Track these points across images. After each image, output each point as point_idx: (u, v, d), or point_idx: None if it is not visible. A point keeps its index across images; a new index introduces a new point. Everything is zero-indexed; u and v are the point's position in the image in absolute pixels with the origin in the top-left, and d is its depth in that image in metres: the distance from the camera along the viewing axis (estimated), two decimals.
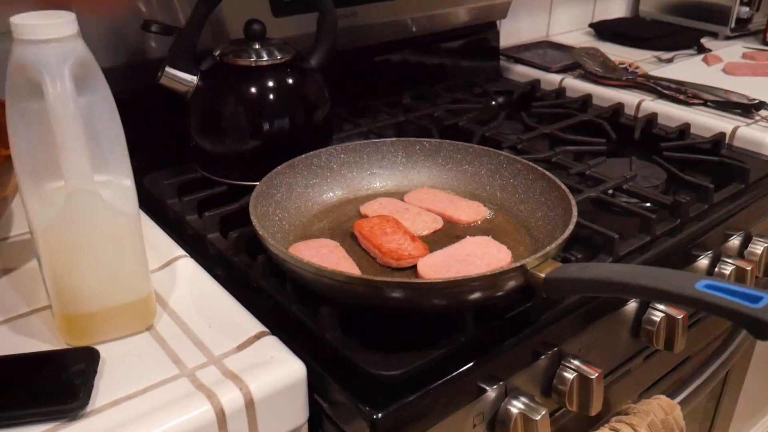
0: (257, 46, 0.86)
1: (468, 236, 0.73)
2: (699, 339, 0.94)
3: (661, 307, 0.77)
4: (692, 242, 0.83)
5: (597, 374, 0.68)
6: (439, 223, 0.78)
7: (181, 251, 0.75)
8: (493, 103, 1.21)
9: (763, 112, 1.11)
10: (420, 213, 0.79)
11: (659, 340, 0.78)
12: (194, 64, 0.85)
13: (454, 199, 0.82)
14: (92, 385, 0.56)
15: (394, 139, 0.87)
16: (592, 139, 1.05)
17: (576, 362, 0.69)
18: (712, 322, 0.95)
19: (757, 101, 1.12)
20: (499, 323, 0.66)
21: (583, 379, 0.68)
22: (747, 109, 1.12)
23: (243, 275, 0.72)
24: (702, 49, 1.44)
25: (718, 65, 1.35)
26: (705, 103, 1.15)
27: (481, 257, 0.69)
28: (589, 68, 1.28)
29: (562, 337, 0.69)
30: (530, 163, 0.80)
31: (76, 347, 0.60)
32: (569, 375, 0.69)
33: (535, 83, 1.26)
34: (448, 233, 0.77)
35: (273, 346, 0.61)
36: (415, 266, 0.70)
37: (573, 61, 1.32)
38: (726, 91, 1.16)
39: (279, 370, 0.58)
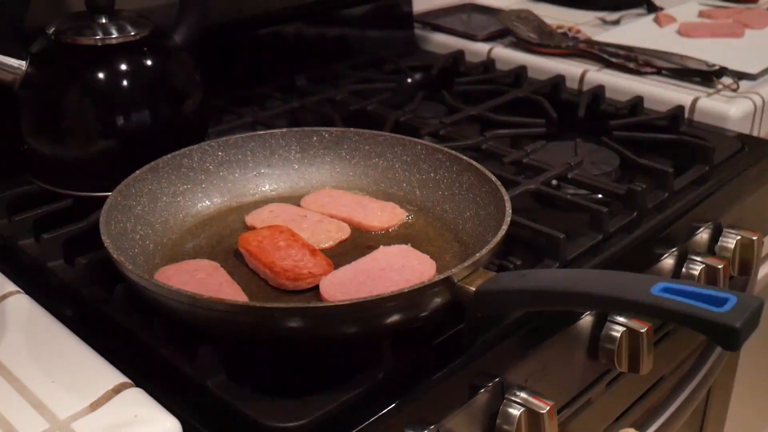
0: (104, 21, 0.84)
1: (382, 246, 0.73)
2: (669, 356, 0.96)
3: (621, 319, 0.79)
4: (653, 238, 0.85)
5: (548, 407, 0.69)
6: (345, 232, 0.78)
7: (12, 286, 0.72)
8: (409, 80, 1.21)
9: (726, 80, 1.16)
10: (321, 221, 0.79)
11: (622, 361, 0.79)
12: (22, 45, 0.83)
13: (363, 200, 0.82)
14: None
15: (285, 129, 0.86)
16: (528, 120, 1.07)
17: (522, 395, 0.70)
18: (684, 334, 0.98)
19: (717, 67, 1.16)
20: (424, 352, 0.65)
21: (532, 414, 0.69)
22: (707, 76, 1.16)
23: (97, 312, 0.70)
24: (652, 8, 1.50)
25: (672, 26, 1.40)
26: (659, 72, 1.19)
27: (399, 271, 0.68)
28: (522, 35, 1.30)
29: (504, 364, 0.70)
30: (454, 153, 0.81)
31: None
32: (515, 411, 0.69)
33: (458, 55, 1.27)
34: (357, 243, 0.77)
35: (137, 401, 0.59)
36: (317, 287, 0.69)
37: (502, 27, 1.35)
38: (682, 56, 1.20)
39: (146, 430, 0.56)
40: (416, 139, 0.84)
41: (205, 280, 0.68)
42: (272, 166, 0.85)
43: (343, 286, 0.67)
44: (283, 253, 0.71)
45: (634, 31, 1.38)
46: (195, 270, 0.70)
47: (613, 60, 1.22)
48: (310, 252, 0.72)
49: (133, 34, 0.84)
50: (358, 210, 0.80)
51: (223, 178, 0.83)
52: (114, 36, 0.83)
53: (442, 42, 1.36)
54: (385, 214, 0.79)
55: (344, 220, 0.79)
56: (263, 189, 0.85)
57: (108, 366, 0.62)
